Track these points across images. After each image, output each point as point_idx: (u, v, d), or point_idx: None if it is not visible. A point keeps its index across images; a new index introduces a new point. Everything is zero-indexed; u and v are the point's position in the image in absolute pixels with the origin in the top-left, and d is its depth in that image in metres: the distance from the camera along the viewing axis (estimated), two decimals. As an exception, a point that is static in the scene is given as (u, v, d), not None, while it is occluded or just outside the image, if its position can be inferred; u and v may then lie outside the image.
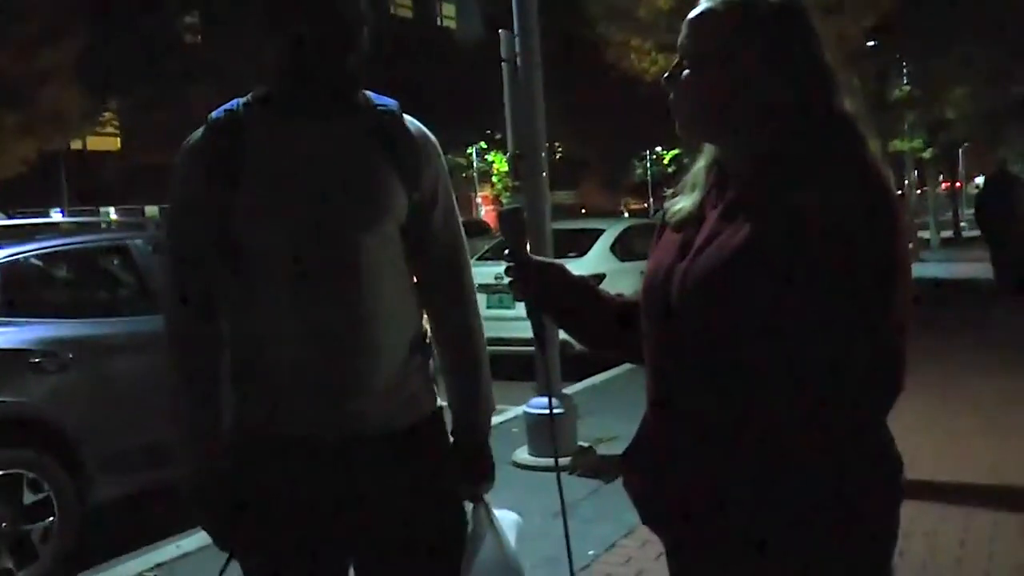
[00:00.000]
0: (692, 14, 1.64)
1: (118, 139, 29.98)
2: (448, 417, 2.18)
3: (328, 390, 1.95)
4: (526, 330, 1.99)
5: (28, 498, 4.78)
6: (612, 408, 7.22)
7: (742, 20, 1.58)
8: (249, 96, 2.06)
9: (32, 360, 4.93)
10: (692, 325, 1.56)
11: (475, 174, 41.01)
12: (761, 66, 1.56)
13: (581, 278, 1.93)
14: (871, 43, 18.21)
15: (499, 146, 33.46)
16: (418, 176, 2.04)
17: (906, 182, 30.00)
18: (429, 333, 2.16)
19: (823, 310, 1.43)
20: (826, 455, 1.47)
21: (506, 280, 1.90)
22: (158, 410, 4.47)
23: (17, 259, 5.33)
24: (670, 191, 1.82)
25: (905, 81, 25.85)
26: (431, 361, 2.15)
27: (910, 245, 1.72)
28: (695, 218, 1.66)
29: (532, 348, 5.91)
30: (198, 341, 2.03)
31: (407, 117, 2.08)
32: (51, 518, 4.84)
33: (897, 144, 27.61)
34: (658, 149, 41.53)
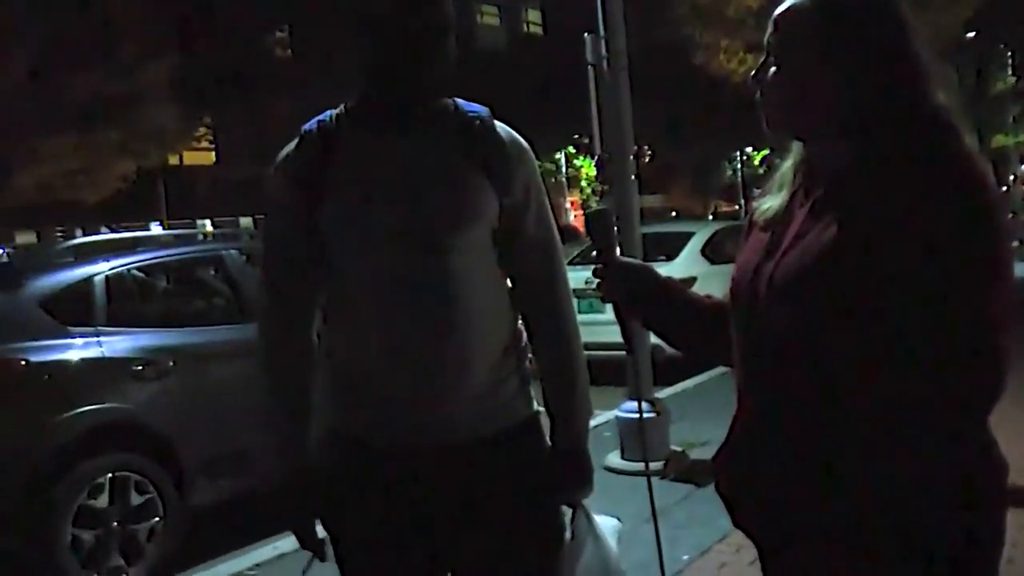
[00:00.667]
0: (779, 10, 1.62)
1: (213, 154, 30.73)
2: (545, 422, 2.17)
3: (419, 395, 1.96)
4: (618, 334, 1.97)
5: (135, 500, 4.94)
6: (705, 412, 7.13)
7: (829, 14, 1.55)
8: (342, 107, 2.09)
9: (135, 368, 5.09)
10: (781, 324, 1.53)
11: (564, 180, 41.01)
12: (850, 60, 1.52)
13: (669, 279, 1.91)
14: (969, 34, 17.68)
15: (587, 151, 33.37)
16: (509, 180, 2.03)
17: (1012, 177, 29.00)
18: (525, 337, 2.15)
19: (918, 311, 1.39)
20: (923, 456, 1.43)
21: (594, 282, 1.89)
22: (253, 416, 4.61)
23: (119, 271, 5.52)
24: (758, 191, 1.79)
25: (1010, 72, 25.01)
26: (527, 365, 2.14)
27: (1014, 244, 1.65)
28: (783, 217, 1.64)
29: (624, 352, 5.87)
30: (289, 350, 2.07)
31: (497, 122, 2.08)
32: (156, 519, 5.00)
33: (1000, 139, 26.74)
34: (748, 150, 40.96)
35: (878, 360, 1.42)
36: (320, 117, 2.08)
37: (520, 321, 2.16)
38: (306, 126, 2.06)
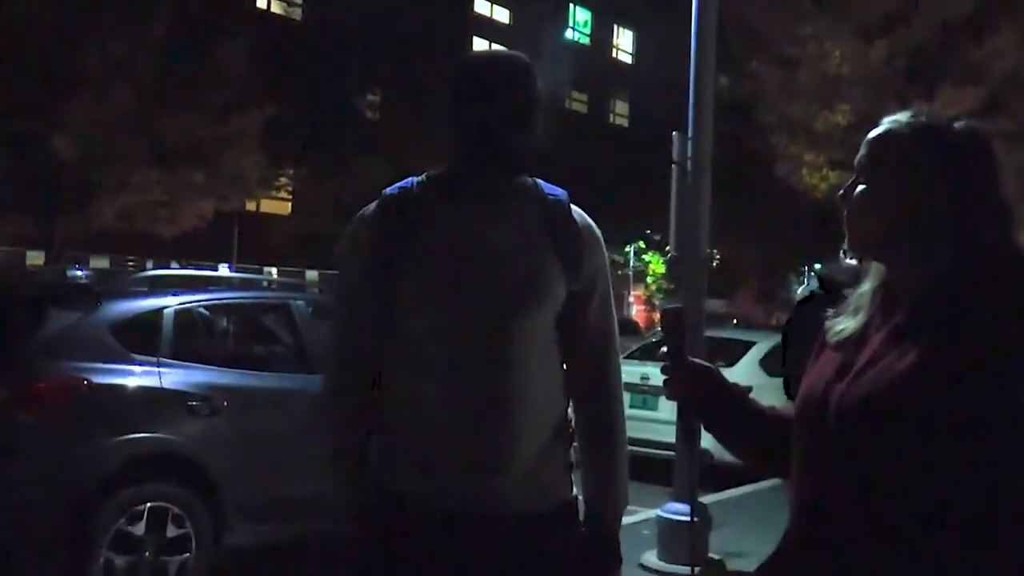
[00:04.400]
0: (873, 133, 1.63)
1: (289, 204, 31.30)
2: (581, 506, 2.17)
3: (466, 466, 1.98)
4: (667, 433, 1.99)
5: (171, 532, 4.97)
6: (745, 524, 6.98)
7: (924, 144, 1.56)
8: (424, 175, 2.13)
9: (189, 403, 5.17)
10: (848, 446, 1.51)
11: (630, 273, 40.97)
12: (939, 192, 1.53)
13: (735, 385, 1.91)
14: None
15: (657, 247, 33.42)
16: (579, 267, 2.06)
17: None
18: (572, 420, 2.16)
19: (997, 456, 1.37)
20: None
21: (661, 378, 1.90)
22: (297, 465, 4.62)
23: (188, 307, 5.64)
24: (832, 311, 1.78)
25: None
26: (572, 449, 2.15)
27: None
28: (857, 339, 1.63)
29: (671, 452, 5.82)
30: (352, 406, 2.10)
31: (575, 208, 2.11)
32: (187, 554, 5.01)
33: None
34: (817, 267, 40.68)
35: (948, 494, 1.40)
36: (403, 183, 2.12)
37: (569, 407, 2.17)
38: (388, 190, 2.11)
